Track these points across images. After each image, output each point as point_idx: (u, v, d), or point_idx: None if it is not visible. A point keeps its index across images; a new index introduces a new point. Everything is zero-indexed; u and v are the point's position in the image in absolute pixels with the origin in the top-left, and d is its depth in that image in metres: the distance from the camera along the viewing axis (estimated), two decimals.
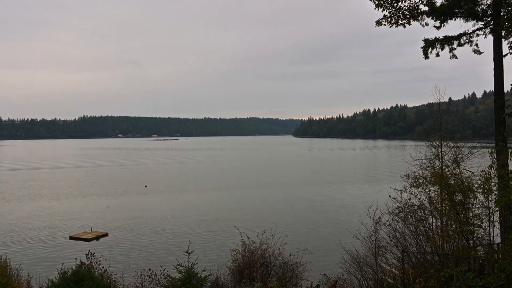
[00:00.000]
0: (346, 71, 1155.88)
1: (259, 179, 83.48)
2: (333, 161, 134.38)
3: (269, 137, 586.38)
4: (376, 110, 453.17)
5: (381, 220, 16.50)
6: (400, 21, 19.86)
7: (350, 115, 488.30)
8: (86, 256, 16.58)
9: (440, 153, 22.36)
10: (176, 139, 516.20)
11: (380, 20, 19.91)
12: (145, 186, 73.17)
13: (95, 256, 16.74)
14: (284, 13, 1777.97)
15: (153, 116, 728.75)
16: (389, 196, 17.11)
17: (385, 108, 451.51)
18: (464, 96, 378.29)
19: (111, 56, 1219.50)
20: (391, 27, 20.22)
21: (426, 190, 16.77)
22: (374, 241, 16.16)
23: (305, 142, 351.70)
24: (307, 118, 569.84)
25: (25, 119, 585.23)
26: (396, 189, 17.00)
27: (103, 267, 16.45)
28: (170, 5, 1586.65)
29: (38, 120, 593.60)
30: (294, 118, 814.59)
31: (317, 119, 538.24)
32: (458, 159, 19.47)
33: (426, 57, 21.11)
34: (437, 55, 20.87)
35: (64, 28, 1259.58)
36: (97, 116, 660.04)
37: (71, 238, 38.05)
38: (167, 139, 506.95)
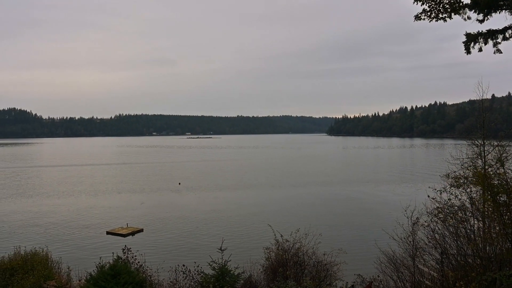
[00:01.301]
0: (382, 68, 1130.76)
1: (292, 178, 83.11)
2: (369, 160, 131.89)
3: (303, 135, 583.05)
4: (414, 107, 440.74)
5: (419, 220, 16.00)
6: (440, 15, 19.10)
7: (386, 113, 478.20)
8: (123, 251, 16.94)
9: (482, 152, 21.43)
10: (209, 137, 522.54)
11: (419, 14, 19.23)
12: (179, 184, 74.38)
13: (131, 251, 17.08)
14: (317, 9, 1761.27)
15: (187, 115, 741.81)
16: (428, 196, 16.54)
17: (423, 106, 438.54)
18: (509, 92, 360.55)
19: (145, 55, 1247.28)
20: (431, 22, 19.52)
21: (467, 190, 16.11)
22: (412, 242, 15.68)
23: (339, 140, 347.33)
24: (341, 116, 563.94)
25: (64, 118, 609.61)
26: (435, 189, 16.42)
27: (138, 262, 16.78)
28: (201, 3, 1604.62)
29: (77, 118, 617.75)
30: (328, 116, 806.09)
31: (351, 117, 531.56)
32: (503, 158, 18.59)
33: (468, 52, 20.21)
34: (480, 50, 19.93)
35: (101, 29, 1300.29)
36: (132, 114, 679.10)
37: (108, 233, 39.22)
38: (200, 137, 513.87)
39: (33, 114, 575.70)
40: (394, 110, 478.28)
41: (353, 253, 28.38)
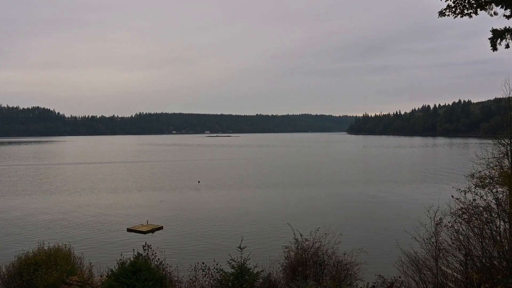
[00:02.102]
0: (404, 66, 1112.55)
1: (312, 177, 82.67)
2: (390, 159, 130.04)
3: (322, 134, 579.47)
4: (437, 106, 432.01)
5: (442, 221, 15.67)
6: (465, 11, 18.61)
7: (408, 112, 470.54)
8: (143, 248, 17.11)
9: (509, 152, 20.81)
10: (228, 136, 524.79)
11: (444, 11, 18.76)
12: (198, 182, 74.87)
13: (151, 248, 17.24)
14: (337, 7, 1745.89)
15: (206, 113, 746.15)
16: (452, 196, 16.17)
17: (446, 104, 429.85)
18: None
19: (165, 54, 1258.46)
20: (455, 18, 19.05)
21: (493, 191, 15.71)
22: (435, 243, 15.39)
23: (359, 139, 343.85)
24: (361, 115, 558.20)
25: (86, 116, 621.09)
26: (459, 189, 16.07)
27: (158, 259, 16.92)
28: (220, 3, 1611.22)
29: (98, 117, 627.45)
30: (348, 115, 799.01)
31: (372, 116, 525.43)
32: None
33: (495, 49, 19.63)
34: (507, 46, 19.32)
35: (121, 28, 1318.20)
36: (152, 113, 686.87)
37: (128, 230, 39.77)
38: (219, 136, 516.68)
39: (56, 112, 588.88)
40: (416, 109, 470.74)
41: (374, 253, 28.01)
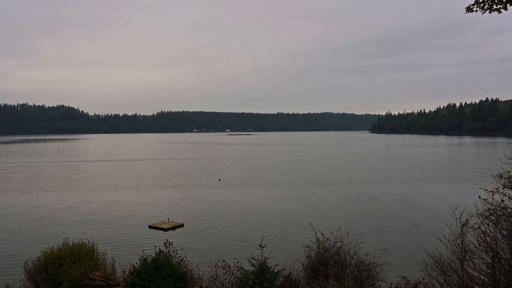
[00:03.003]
0: (428, 63, 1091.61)
1: (333, 175, 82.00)
2: (414, 158, 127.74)
3: (344, 133, 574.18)
4: (463, 104, 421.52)
5: (469, 222, 15.26)
6: (494, 7, 18.00)
7: (432, 110, 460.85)
8: (165, 245, 17.24)
9: None
10: (249, 134, 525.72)
11: (471, 6, 18.19)
12: (219, 180, 75.19)
13: (172, 245, 17.36)
14: (359, 4, 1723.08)
15: (227, 112, 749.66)
16: (479, 197, 15.72)
17: (473, 102, 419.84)
18: None
19: (186, 53, 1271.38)
20: (483, 14, 18.46)
21: None
22: (460, 244, 15.00)
23: (382, 138, 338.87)
24: (384, 113, 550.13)
25: (109, 115, 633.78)
26: (486, 190, 15.60)
27: (179, 256, 17.01)
28: (241, 1, 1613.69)
29: (120, 115, 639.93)
30: (371, 113, 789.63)
31: (395, 114, 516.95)
32: None
33: None
34: None
35: (143, 28, 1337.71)
36: (173, 111, 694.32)
37: (149, 227, 40.26)
38: (240, 134, 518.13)
39: (80, 111, 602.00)
40: (442, 107, 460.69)
41: (397, 254, 27.55)
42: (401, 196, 57.35)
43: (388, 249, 18.58)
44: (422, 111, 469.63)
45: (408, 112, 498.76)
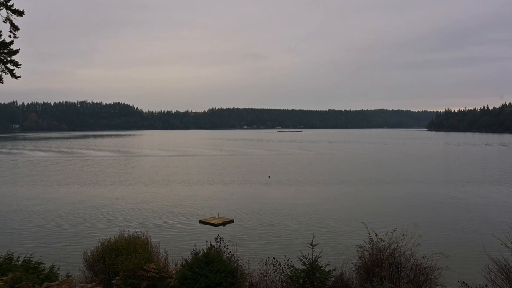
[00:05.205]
0: (492, 57, 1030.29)
1: (387, 174, 79.41)
2: (475, 158, 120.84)
3: (399, 130, 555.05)
4: None
5: None
6: None
7: (497, 106, 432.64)
8: (215, 240, 17.39)
9: None
10: (299, 131, 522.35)
11: None
12: (269, 177, 75.17)
13: (223, 240, 17.48)
14: None
15: (277, 108, 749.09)
16: None
17: None
18: None
19: (237, 50, 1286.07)
20: None
21: None
22: None
23: (440, 136, 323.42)
24: (443, 110, 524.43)
25: (162, 111, 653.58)
26: None
27: (230, 252, 17.08)
28: None
29: (173, 112, 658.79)
30: (428, 110, 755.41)
31: (455, 111, 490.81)
32: None
33: None
34: None
35: (192, 26, 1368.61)
36: (224, 108, 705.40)
37: (200, 222, 41.01)
38: (290, 131, 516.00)
39: (135, 108, 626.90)
40: (507, 103, 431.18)
41: (457, 258, 26.10)
42: (462, 197, 54.39)
43: (447, 253, 17.63)
44: (485, 108, 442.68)
45: (469, 108, 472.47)
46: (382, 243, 16.44)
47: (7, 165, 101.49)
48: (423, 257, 16.37)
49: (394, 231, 16.71)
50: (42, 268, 16.23)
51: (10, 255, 16.99)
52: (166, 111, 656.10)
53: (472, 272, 20.37)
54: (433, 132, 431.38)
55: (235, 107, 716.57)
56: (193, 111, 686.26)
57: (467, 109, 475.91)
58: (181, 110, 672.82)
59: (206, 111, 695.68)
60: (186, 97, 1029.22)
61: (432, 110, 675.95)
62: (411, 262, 16.25)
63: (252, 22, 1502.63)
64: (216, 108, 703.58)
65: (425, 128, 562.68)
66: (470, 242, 32.89)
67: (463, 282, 16.15)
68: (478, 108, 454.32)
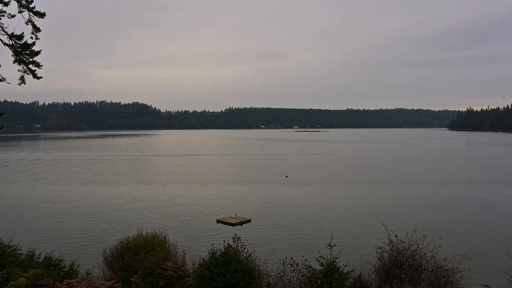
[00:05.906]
0: None
1: (407, 175, 78.21)
2: (498, 158, 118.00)
3: (419, 130, 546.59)
4: None
5: None
6: None
7: None
8: (233, 239, 17.36)
9: None
10: (317, 131, 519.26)
11: None
12: (286, 177, 74.94)
13: (240, 240, 17.44)
14: None
15: (294, 108, 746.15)
16: None
17: None
18: None
19: (253, 50, 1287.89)
20: None
21: None
22: None
23: (462, 136, 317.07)
24: (465, 109, 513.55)
25: (180, 111, 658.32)
26: None
27: (247, 251, 17.03)
28: None
29: (190, 111, 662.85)
30: (449, 109, 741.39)
31: (478, 110, 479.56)
32: None
33: None
34: None
35: (209, 26, 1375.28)
36: (241, 108, 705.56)
37: (217, 221, 41.13)
38: (308, 131, 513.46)
39: (153, 107, 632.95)
40: None
41: (480, 261, 25.55)
42: (484, 198, 53.17)
43: (469, 255, 17.20)
44: (510, 107, 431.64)
45: (492, 107, 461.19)
46: (402, 244, 16.12)
47: (28, 165, 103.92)
48: (444, 259, 15.99)
49: (414, 232, 16.39)
50: (63, 265, 16.50)
51: (31, 253, 17.37)
52: (183, 110, 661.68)
53: (495, 275, 19.86)
54: (455, 132, 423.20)
55: (252, 106, 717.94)
56: (210, 111, 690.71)
57: (490, 108, 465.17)
58: (199, 110, 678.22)
59: (223, 110, 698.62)
60: (204, 97, 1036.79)
61: (453, 109, 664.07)
62: (432, 264, 15.88)
63: (268, 22, 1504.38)
64: (233, 108, 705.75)
65: (446, 127, 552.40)
66: (493, 244, 32.08)
67: (486, 285, 15.73)
68: (501, 107, 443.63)
